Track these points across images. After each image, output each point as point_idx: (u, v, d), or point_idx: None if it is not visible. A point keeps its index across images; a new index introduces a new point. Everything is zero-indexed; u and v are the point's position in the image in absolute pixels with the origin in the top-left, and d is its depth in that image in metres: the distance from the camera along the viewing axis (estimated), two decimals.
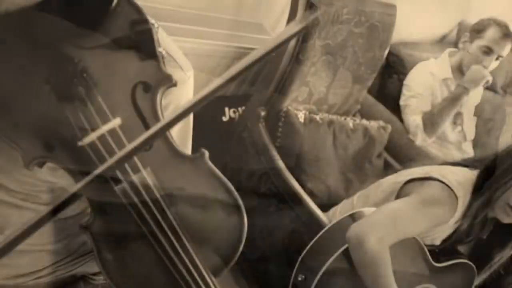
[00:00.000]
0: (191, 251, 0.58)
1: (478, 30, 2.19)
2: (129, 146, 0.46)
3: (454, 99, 2.14)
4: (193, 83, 0.76)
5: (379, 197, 1.44)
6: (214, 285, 0.59)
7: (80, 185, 0.45)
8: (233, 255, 0.61)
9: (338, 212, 1.60)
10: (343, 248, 1.21)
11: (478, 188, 1.30)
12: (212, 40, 1.74)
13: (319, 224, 1.51)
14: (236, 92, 2.09)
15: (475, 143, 2.48)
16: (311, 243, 1.30)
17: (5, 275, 0.79)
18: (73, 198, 0.44)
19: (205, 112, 1.99)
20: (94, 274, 0.92)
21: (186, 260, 0.58)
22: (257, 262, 1.76)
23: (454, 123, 2.30)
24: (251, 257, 1.79)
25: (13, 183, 0.69)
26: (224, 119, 2.02)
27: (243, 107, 2.03)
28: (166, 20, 1.60)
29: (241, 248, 0.61)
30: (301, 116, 1.80)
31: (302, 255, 1.30)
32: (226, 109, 2.03)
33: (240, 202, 0.61)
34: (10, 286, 0.80)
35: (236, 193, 0.61)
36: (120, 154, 0.46)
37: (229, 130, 1.97)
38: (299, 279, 1.29)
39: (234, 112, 2.05)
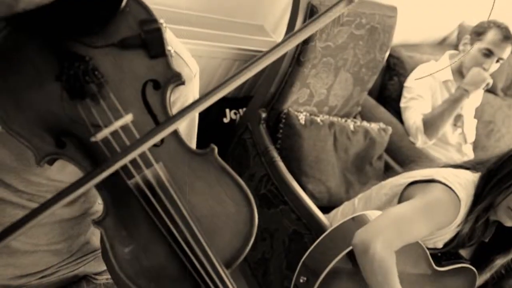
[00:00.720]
0: (203, 243, 0.59)
1: (478, 32, 2.19)
2: (144, 146, 0.47)
3: (454, 101, 2.14)
4: (198, 80, 0.77)
5: (381, 200, 1.43)
6: (227, 276, 0.60)
7: (97, 180, 0.46)
8: (245, 247, 0.62)
9: (340, 214, 1.60)
10: (346, 251, 1.21)
11: (480, 191, 1.30)
12: (213, 42, 1.75)
13: (319, 226, 1.51)
14: (237, 94, 2.10)
15: (475, 146, 2.48)
16: (313, 245, 1.29)
17: (10, 275, 0.79)
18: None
19: (206, 113, 2.00)
20: (96, 274, 0.93)
21: (199, 252, 0.59)
22: (257, 263, 1.76)
23: (455, 125, 2.31)
24: (252, 259, 1.79)
25: (22, 183, 0.70)
26: (225, 120, 2.02)
27: (244, 109, 2.03)
28: (169, 22, 1.60)
29: (252, 241, 0.62)
30: (301, 117, 1.80)
31: (303, 258, 1.30)
32: (227, 110, 2.03)
33: (251, 195, 0.62)
34: (14, 286, 0.81)
35: (246, 187, 0.62)
36: (134, 149, 0.47)
37: (230, 132, 1.97)
38: (301, 281, 1.29)
39: (235, 113, 2.05)
